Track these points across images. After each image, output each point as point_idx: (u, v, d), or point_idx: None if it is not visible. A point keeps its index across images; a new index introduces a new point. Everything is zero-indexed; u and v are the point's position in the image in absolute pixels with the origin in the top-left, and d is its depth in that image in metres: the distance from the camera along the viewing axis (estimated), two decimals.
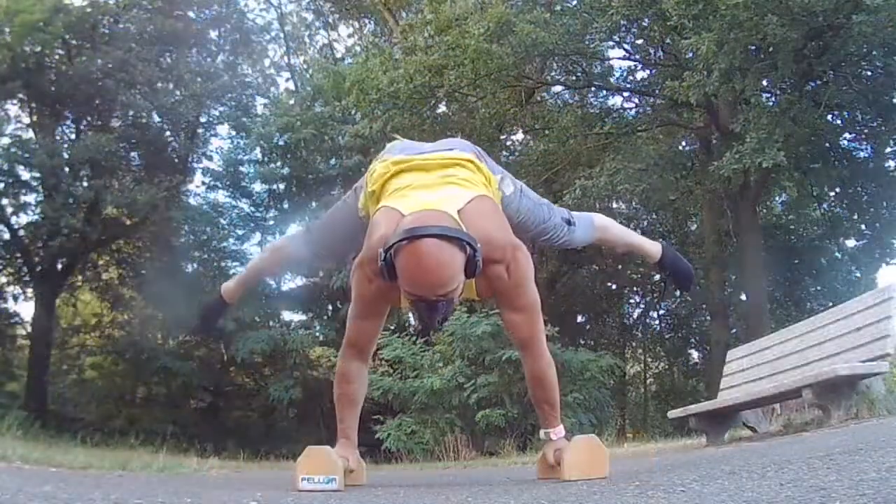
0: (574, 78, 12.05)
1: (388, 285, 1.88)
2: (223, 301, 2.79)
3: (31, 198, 15.16)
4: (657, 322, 17.49)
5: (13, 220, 15.13)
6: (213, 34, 17.75)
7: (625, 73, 12.79)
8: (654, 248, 2.72)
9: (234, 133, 16.89)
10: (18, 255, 15.57)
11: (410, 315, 9.45)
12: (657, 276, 16.19)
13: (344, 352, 2.15)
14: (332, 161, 15.27)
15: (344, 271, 12.39)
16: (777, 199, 14.25)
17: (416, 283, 1.78)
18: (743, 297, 12.79)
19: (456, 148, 2.23)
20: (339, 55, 19.16)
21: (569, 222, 2.45)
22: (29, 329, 15.93)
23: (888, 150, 10.80)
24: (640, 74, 12.69)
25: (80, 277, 17.09)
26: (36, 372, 14.37)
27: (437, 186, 2.05)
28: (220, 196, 17.02)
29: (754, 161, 7.97)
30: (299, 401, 13.24)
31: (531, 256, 2.05)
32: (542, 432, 2.16)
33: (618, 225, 2.83)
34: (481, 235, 1.87)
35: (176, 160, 16.69)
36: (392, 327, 9.37)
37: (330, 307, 15.25)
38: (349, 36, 19.90)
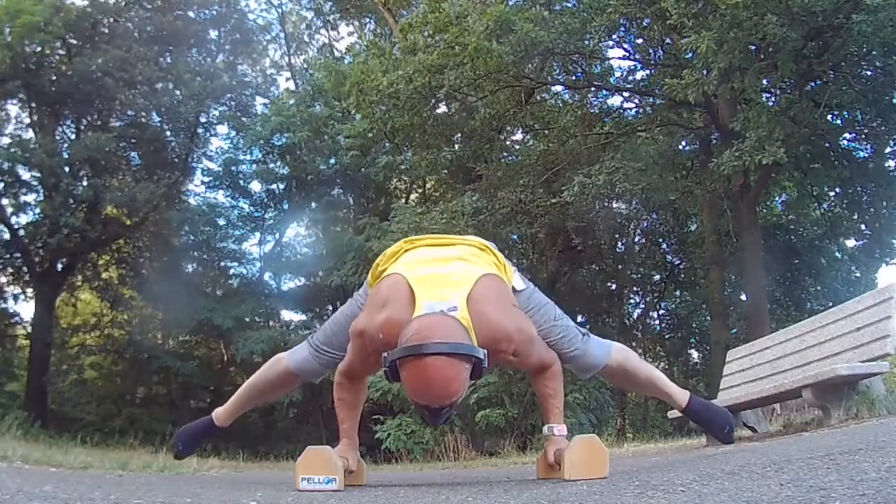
0: (574, 78, 12.02)
1: None
2: (214, 427, 2.56)
3: (30, 197, 15.22)
4: (657, 322, 17.45)
5: (13, 219, 15.17)
6: (213, 34, 17.76)
7: (625, 73, 12.79)
8: (680, 394, 2.57)
9: (233, 133, 16.91)
10: (18, 254, 15.56)
11: None
12: (657, 277, 16.20)
13: (340, 371, 2.21)
14: (332, 161, 15.25)
15: (343, 269, 12.39)
16: (777, 199, 14.23)
17: (421, 396, 1.79)
18: (743, 297, 12.78)
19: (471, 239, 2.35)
20: (339, 55, 19.15)
21: (583, 333, 2.40)
22: (29, 329, 15.93)
23: (888, 150, 10.77)
24: (639, 74, 12.68)
25: (79, 277, 17.10)
26: (36, 372, 14.38)
27: (448, 261, 2.10)
28: (220, 196, 17.06)
29: (754, 158, 7.95)
30: (299, 401, 13.24)
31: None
32: (546, 427, 2.19)
33: (638, 358, 2.64)
34: (487, 326, 1.90)
35: (175, 160, 16.70)
36: None
37: (330, 307, 15.24)
38: (350, 34, 19.92)
